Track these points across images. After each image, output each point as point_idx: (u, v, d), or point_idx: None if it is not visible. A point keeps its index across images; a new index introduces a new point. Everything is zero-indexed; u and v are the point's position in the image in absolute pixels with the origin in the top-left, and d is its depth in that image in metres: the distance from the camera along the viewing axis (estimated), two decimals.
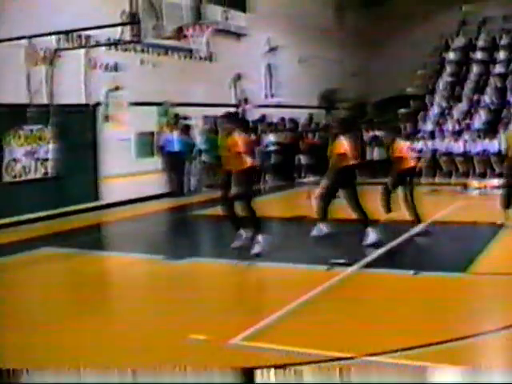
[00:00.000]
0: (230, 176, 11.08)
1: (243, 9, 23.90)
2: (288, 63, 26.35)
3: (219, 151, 11.32)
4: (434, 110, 26.43)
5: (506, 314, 7.33)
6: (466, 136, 23.26)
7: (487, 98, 26.01)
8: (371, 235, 11.21)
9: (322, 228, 11.87)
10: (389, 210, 12.67)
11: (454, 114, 25.57)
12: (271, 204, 18.40)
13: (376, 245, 11.04)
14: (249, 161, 10.99)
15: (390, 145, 12.78)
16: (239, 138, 11.00)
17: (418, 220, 12.46)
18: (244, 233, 11.27)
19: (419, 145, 23.61)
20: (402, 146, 12.74)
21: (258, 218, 11.00)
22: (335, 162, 11.45)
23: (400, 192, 12.65)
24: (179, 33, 15.52)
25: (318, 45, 28.18)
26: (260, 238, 10.82)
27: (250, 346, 6.39)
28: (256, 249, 10.75)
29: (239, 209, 11.09)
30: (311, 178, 20.17)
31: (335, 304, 7.91)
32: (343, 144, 11.54)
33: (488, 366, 5.71)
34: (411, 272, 9.12)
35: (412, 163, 12.72)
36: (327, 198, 11.74)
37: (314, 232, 11.94)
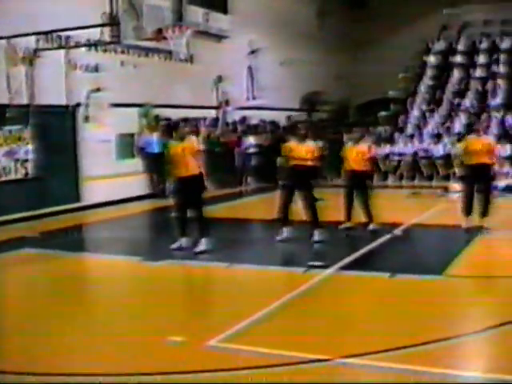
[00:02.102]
0: (182, 182, 11.14)
1: (225, 11, 23.98)
2: (270, 65, 26.45)
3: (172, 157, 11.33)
4: (415, 113, 26.58)
5: (482, 316, 7.45)
6: (446, 139, 23.37)
7: (467, 101, 26.17)
8: (319, 236, 11.44)
9: (284, 232, 11.82)
10: (349, 217, 12.94)
11: (435, 117, 25.73)
12: (252, 206, 18.54)
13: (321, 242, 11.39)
14: (200, 167, 11.07)
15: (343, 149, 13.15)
16: (192, 144, 11.09)
17: (370, 220, 12.69)
18: (187, 236, 11.37)
19: (399, 148, 23.73)
20: (358, 150, 12.90)
21: (208, 223, 11.22)
22: (288, 163, 11.66)
23: (356, 194, 12.83)
24: (159, 34, 15.56)
25: (301, 47, 28.32)
26: (204, 240, 11.04)
27: (228, 347, 6.44)
28: (200, 248, 11.03)
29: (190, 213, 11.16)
30: None
31: (312, 306, 7.98)
32: (309, 147, 11.65)
33: (465, 368, 5.80)
34: (387, 274, 9.20)
35: (361, 167, 12.83)
36: (286, 201, 11.78)
37: (280, 237, 11.90)
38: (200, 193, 11.13)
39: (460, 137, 22.49)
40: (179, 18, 19.34)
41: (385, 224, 12.76)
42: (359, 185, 12.87)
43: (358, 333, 6.85)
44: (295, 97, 28.92)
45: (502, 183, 19.25)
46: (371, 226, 12.77)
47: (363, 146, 13.39)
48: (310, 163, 11.73)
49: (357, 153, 13.11)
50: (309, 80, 28.96)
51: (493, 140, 14.02)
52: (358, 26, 31.80)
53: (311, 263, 9.79)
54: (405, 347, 6.17)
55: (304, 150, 11.74)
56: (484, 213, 12.63)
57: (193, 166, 11.00)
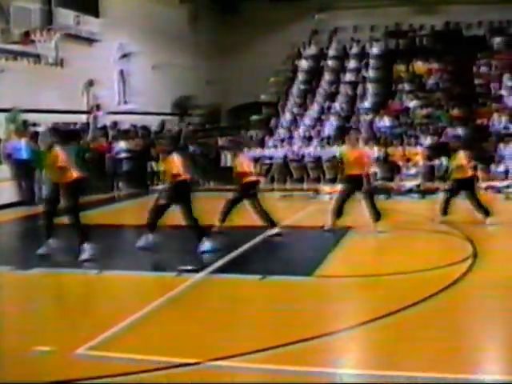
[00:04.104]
0: (57, 188, 11.08)
1: (96, 14, 23.77)
2: (142, 69, 26.55)
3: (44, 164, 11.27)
4: (286, 117, 27.07)
5: (350, 314, 7.76)
6: (316, 142, 23.91)
7: (338, 104, 26.87)
8: (207, 243, 11.45)
9: (149, 238, 11.82)
10: (223, 220, 13.02)
11: (306, 121, 26.27)
12: (123, 212, 18.41)
13: (212, 251, 11.31)
14: (74, 173, 11.03)
15: (233, 160, 13.24)
16: (58, 153, 11.03)
17: (272, 224, 12.87)
18: (53, 242, 11.35)
19: (271, 151, 24.09)
20: (243, 162, 13.10)
21: (84, 228, 11.22)
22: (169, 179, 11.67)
23: (248, 203, 12.95)
24: (26, 37, 15.25)
25: (173, 51, 28.53)
26: (86, 245, 11.06)
27: (97, 355, 6.42)
28: (84, 255, 10.96)
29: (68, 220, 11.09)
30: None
31: (184, 310, 8.08)
32: (175, 162, 11.63)
33: (335, 365, 6.01)
34: (259, 277, 9.36)
35: (253, 178, 13.19)
36: (158, 211, 11.79)
37: (141, 243, 11.91)
38: (75, 198, 10.99)
39: (329, 140, 23.22)
40: (48, 20, 18.99)
41: (257, 227, 12.92)
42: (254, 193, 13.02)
43: (228, 335, 6.97)
44: (167, 101, 28.92)
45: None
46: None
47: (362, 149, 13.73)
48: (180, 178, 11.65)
49: (249, 163, 13.34)
50: (181, 84, 29.17)
51: (366, 150, 14.50)
52: (229, 31, 32.27)
53: (182, 267, 9.86)
54: (274, 347, 6.33)
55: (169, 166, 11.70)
56: (375, 217, 13.14)
57: (65, 174, 10.90)
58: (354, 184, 13.17)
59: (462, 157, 13.90)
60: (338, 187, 14.60)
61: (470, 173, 13.99)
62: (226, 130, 26.47)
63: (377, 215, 13.12)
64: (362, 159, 13.36)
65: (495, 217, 13.46)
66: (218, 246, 11.49)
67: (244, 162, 13.26)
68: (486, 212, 13.55)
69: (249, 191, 13.04)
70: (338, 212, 13.29)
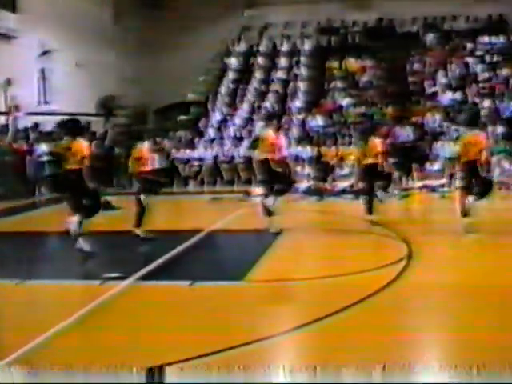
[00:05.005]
0: None
1: (13, 9, 23.34)
2: (64, 67, 26.15)
3: None
4: (216, 117, 27.03)
5: (282, 319, 7.77)
6: (247, 142, 23.96)
7: (268, 103, 26.96)
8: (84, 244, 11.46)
9: (82, 243, 11.72)
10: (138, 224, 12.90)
11: (236, 121, 26.29)
12: (47, 218, 18.09)
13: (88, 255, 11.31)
14: None
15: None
16: None
17: (137, 224, 12.77)
18: None
19: (200, 153, 24.07)
20: (142, 150, 13.10)
21: None
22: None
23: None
24: None
25: (97, 49, 28.24)
26: None
27: (19, 368, 6.29)
28: None
29: None
30: None
31: (110, 319, 7.98)
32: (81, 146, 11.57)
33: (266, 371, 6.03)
34: (188, 283, 9.33)
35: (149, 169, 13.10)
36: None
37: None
38: None
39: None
40: None
41: (185, 231, 12.89)
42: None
43: (157, 344, 6.91)
44: (92, 101, 28.57)
45: (302, 185, 20.06)
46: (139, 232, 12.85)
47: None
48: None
49: (148, 152, 13.19)
50: (106, 83, 28.92)
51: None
52: (157, 28, 32.02)
53: (107, 275, 9.75)
54: (205, 355, 6.31)
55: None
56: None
57: None
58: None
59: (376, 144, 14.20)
60: None
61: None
62: (153, 131, 26.29)
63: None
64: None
65: (431, 216, 13.69)
66: (94, 251, 11.44)
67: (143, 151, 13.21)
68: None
69: (146, 184, 13.02)
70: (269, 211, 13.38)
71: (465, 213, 12.38)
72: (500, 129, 22.26)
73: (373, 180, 14.31)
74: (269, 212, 13.31)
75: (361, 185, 15.21)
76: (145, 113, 31.13)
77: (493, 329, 6.96)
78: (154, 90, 30.85)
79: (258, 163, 13.59)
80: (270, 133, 13.46)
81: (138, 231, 12.75)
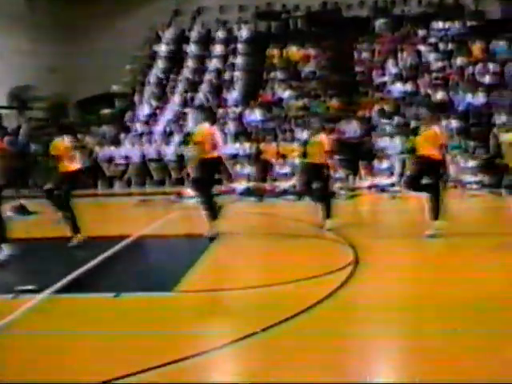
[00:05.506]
0: None
1: None
2: None
3: None
4: (144, 110, 26.89)
5: (217, 332, 7.79)
6: (178, 138, 23.92)
7: (202, 95, 26.92)
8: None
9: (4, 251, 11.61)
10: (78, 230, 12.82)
11: (166, 114, 26.20)
12: None
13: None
14: None
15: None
16: None
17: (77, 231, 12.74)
18: None
19: (127, 150, 23.95)
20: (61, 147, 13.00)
21: None
22: None
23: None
24: None
25: (9, 35, 27.68)
26: None
27: None
28: None
29: None
30: None
31: (22, 337, 7.87)
32: None
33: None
34: (112, 294, 9.27)
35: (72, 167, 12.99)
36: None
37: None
38: None
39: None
40: None
41: (111, 237, 12.81)
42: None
43: (77, 364, 6.85)
44: (3, 92, 28.19)
45: (240, 185, 20.11)
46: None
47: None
48: None
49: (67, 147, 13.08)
50: (19, 72, 28.46)
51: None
52: (76, 12, 31.66)
53: (20, 287, 9.63)
54: (129, 375, 6.29)
55: None
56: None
57: None
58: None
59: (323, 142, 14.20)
60: None
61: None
62: (73, 125, 26.06)
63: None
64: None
65: (380, 218, 13.82)
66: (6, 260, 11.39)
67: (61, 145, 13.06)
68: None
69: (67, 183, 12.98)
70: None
71: (436, 216, 12.51)
72: (454, 123, 22.60)
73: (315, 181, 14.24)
74: (214, 215, 13.28)
75: (302, 186, 15.16)
76: (64, 105, 30.84)
77: (440, 336, 7.13)
78: (75, 79, 30.59)
79: (192, 162, 13.60)
80: (204, 128, 13.40)
81: (77, 239, 12.75)
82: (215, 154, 13.08)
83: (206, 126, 13.32)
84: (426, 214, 12.57)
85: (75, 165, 13.07)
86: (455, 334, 7.16)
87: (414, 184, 12.69)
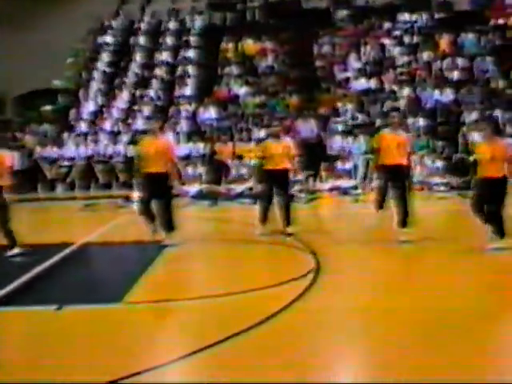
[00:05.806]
0: None
1: None
2: None
3: None
4: (89, 108, 26.69)
5: (168, 346, 7.75)
6: (126, 138, 23.81)
7: (152, 92, 26.82)
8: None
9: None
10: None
11: (113, 112, 26.04)
12: None
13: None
14: None
15: None
16: None
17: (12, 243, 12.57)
18: None
19: (70, 150, 23.76)
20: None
21: None
22: None
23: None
24: None
25: None
26: None
27: None
28: None
29: None
30: None
31: None
32: None
33: None
34: (54, 307, 9.11)
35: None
36: None
37: None
38: None
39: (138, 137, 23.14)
40: None
41: (52, 245, 12.64)
42: None
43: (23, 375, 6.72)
44: None
45: (193, 188, 20.06)
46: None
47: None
48: None
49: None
50: None
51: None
52: (13, 2, 31.25)
53: None
54: None
55: None
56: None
57: None
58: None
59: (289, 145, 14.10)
60: None
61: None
62: (10, 123, 25.82)
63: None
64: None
65: (341, 223, 13.80)
66: None
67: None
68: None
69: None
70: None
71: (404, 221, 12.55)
72: (421, 121, 22.72)
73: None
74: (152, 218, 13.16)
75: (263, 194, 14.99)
76: (1, 101, 30.56)
77: (403, 348, 7.12)
78: (14, 73, 30.28)
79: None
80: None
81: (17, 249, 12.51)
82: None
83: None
84: (394, 219, 12.62)
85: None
86: (416, 344, 7.21)
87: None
